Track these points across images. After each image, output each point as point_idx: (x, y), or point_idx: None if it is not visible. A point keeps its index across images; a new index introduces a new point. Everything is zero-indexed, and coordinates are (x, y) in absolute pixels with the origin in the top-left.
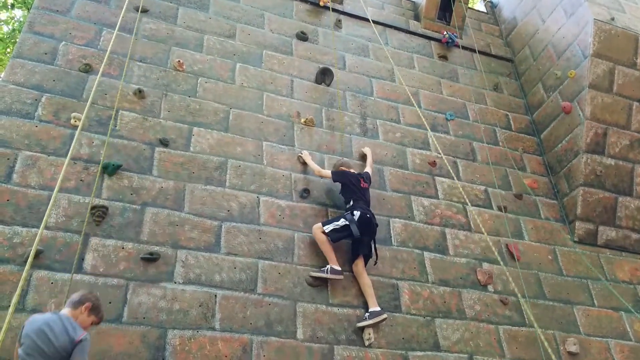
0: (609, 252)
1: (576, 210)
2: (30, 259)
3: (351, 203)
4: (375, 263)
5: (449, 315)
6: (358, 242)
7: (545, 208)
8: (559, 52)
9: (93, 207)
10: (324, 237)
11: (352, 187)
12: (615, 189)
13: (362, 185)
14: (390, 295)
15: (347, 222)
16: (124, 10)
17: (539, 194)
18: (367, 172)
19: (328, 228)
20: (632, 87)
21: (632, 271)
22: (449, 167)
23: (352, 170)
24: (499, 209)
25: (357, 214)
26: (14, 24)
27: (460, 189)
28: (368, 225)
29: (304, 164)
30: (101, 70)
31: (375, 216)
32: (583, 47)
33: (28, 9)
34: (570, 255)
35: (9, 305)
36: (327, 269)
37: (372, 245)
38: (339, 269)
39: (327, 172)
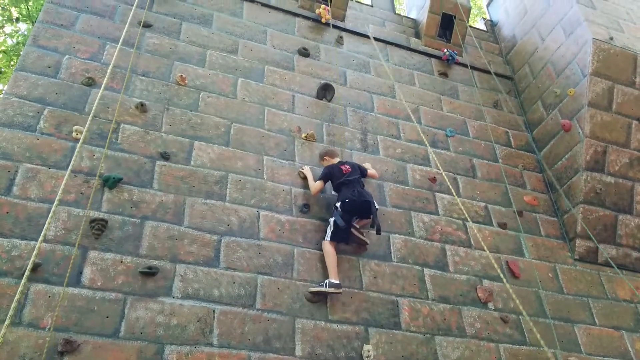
0: (609, 270)
1: (576, 228)
2: (27, 272)
3: (338, 196)
4: (378, 230)
5: (449, 333)
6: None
7: (545, 225)
8: (558, 71)
9: (92, 220)
10: (330, 248)
11: (336, 179)
12: (615, 207)
13: (344, 171)
14: (390, 311)
15: (335, 219)
16: (127, 24)
17: (539, 211)
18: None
19: (329, 237)
20: (631, 106)
21: (633, 289)
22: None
23: (335, 160)
24: (499, 225)
25: (338, 205)
26: (18, 37)
27: (461, 205)
28: (354, 206)
29: (305, 178)
30: (104, 83)
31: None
32: (582, 65)
33: (32, 23)
34: (571, 273)
35: (5, 319)
36: (326, 282)
37: (373, 214)
38: (338, 282)
39: (318, 184)
